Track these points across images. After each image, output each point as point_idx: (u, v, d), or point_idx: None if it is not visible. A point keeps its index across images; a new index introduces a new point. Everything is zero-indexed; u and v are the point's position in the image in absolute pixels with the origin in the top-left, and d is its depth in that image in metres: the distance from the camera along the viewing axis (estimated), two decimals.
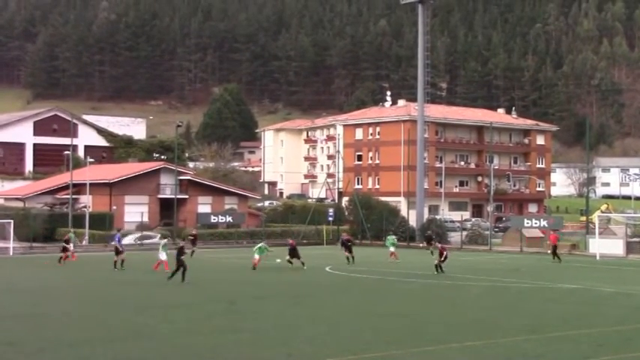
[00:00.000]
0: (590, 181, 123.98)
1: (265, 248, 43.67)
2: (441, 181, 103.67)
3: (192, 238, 54.84)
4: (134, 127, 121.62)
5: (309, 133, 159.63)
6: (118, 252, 43.92)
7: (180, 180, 76.67)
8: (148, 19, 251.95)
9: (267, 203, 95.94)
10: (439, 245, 45.01)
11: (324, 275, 41.54)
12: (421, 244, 64.75)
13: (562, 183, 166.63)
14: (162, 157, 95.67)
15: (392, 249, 50.65)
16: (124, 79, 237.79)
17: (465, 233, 70.18)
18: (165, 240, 45.85)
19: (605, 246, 55.94)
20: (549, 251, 53.54)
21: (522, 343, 21.47)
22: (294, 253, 43.22)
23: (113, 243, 46.84)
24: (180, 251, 37.11)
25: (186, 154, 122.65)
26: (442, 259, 41.45)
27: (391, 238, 52.36)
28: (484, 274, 42.03)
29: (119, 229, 59.70)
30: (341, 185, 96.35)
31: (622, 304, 30.63)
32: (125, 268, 43.02)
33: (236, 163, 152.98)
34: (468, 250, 64.62)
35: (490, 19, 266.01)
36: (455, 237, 70.72)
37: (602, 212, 76.14)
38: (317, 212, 77.64)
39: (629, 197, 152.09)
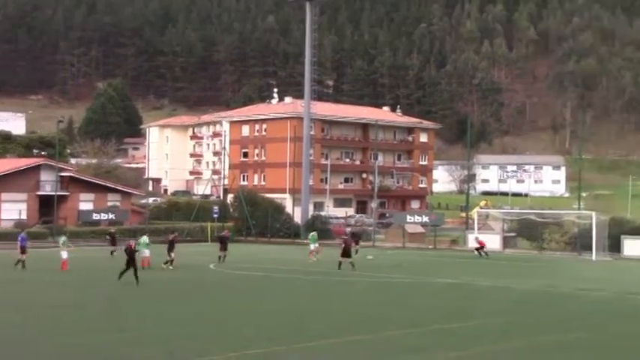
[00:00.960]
0: (471, 178, 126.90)
1: (146, 243, 42.71)
2: (326, 178, 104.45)
3: (110, 237, 52.11)
4: (13, 122, 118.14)
5: (195, 129, 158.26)
6: (23, 251, 42.25)
7: (61, 177, 74.74)
8: (29, 11, 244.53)
9: (151, 200, 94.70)
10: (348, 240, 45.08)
11: (209, 273, 41.23)
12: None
13: (443, 180, 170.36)
14: (43, 153, 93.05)
15: (312, 246, 48.65)
16: (2, 73, 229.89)
17: (349, 229, 70.94)
18: (64, 237, 44.29)
19: (484, 241, 57.48)
20: (475, 250, 54.36)
21: (404, 337, 21.82)
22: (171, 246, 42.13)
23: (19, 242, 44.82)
24: (130, 250, 35.02)
25: (68, 150, 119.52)
26: (344, 255, 41.68)
27: (313, 235, 50.55)
28: (367, 269, 42.53)
29: (24, 228, 57.25)
30: (226, 182, 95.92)
31: (498, 297, 31.54)
32: (24, 267, 41.22)
33: (120, 160, 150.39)
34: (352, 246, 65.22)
35: (376, 18, 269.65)
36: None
37: (481, 208, 78.17)
38: (202, 209, 77.05)
39: (506, 193, 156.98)
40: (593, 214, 54.49)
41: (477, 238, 55.64)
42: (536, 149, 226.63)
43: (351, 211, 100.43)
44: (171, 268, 40.95)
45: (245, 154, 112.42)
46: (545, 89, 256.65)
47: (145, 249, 41.13)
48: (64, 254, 40.72)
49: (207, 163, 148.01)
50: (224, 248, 45.51)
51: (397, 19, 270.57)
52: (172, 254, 41.50)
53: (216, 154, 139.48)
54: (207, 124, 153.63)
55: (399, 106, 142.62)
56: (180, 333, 22.38)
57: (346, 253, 41.81)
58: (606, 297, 31.48)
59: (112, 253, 48.29)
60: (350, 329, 22.99)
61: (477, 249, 53.61)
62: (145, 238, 42.70)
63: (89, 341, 20.94)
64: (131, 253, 34.52)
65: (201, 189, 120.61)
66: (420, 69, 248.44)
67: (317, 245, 49.08)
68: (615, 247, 53.76)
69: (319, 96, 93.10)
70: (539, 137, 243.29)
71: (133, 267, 34.21)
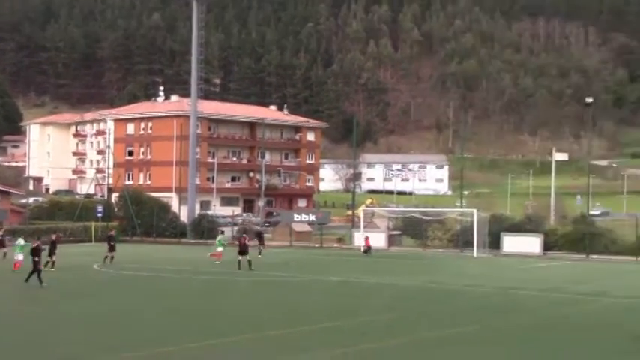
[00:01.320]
0: (356, 177, 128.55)
1: (21, 246, 41.50)
2: (212, 177, 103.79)
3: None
4: None
5: (79, 127, 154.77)
6: None
7: None
8: None
9: (31, 200, 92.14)
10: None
11: (93, 273, 40.38)
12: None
13: (330, 178, 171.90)
14: None
15: (220, 249, 46.51)
16: None
17: (235, 228, 70.75)
18: (21, 239, 42.66)
19: (370, 239, 58.29)
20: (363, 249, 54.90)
21: (291, 335, 21.90)
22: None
23: None
24: (36, 251, 33.84)
25: None
26: (241, 253, 41.28)
27: (222, 238, 48.98)
28: (254, 268, 42.54)
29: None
30: (111, 181, 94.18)
31: (384, 294, 32.03)
32: None
33: None
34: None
35: (264, 16, 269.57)
36: (226, 232, 71.04)
37: (367, 207, 79.12)
38: (85, 208, 75.42)
39: (391, 192, 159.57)
40: (475, 211, 55.93)
41: (367, 238, 56.19)
42: (420, 149, 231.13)
43: (238, 210, 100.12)
44: (52, 269, 39.84)
45: (130, 153, 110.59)
46: (429, 89, 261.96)
47: (20, 252, 39.80)
48: (20, 256, 39.69)
49: (91, 161, 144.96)
50: (112, 249, 44.34)
51: (284, 18, 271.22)
52: (54, 256, 40.18)
53: (100, 152, 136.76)
54: (91, 122, 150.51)
55: (286, 105, 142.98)
56: (67, 336, 21.86)
57: (243, 252, 41.56)
58: (488, 292, 32.39)
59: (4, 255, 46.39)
60: (234, 329, 22.91)
61: (365, 251, 54.36)
62: (20, 241, 41.47)
63: None
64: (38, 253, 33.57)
65: (84, 188, 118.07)
66: (307, 68, 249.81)
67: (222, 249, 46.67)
68: (495, 243, 55.31)
69: (206, 94, 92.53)
70: (423, 137, 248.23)
71: (36, 270, 33.18)
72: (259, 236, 53.61)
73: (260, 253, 48.74)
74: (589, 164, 70.89)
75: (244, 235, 49.90)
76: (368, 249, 54.24)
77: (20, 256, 39.54)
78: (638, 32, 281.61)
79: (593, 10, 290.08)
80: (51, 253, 39.82)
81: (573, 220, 60.64)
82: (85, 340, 21.00)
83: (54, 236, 41.93)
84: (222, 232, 55.38)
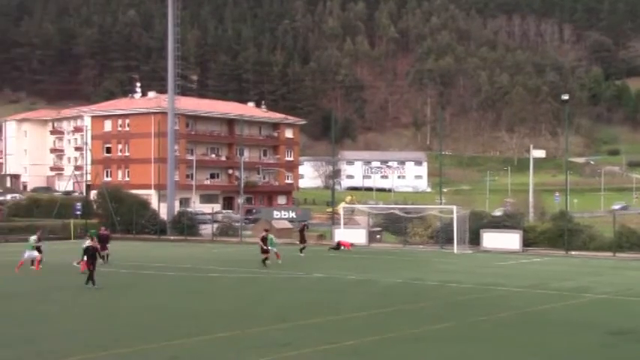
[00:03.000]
0: (336, 174, 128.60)
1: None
2: (192, 174, 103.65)
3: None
4: None
5: (56, 124, 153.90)
6: None
7: None
8: None
9: (9, 197, 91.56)
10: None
11: (73, 271, 40.18)
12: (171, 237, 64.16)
13: (310, 175, 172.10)
14: None
15: (275, 249, 44.16)
16: None
17: (215, 225, 70.66)
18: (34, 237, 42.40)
19: (350, 236, 58.40)
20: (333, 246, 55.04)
21: (272, 332, 21.92)
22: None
23: None
24: (93, 250, 32.97)
25: None
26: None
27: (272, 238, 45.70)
28: (235, 265, 42.52)
29: None
30: (89, 178, 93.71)
31: (364, 290, 32.10)
32: None
33: None
34: (219, 241, 65.16)
35: (240, 13, 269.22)
36: (206, 229, 70.99)
37: (347, 203, 79.20)
38: (64, 206, 75.06)
39: (371, 189, 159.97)
40: (454, 208, 56.14)
41: (350, 242, 55.85)
42: (399, 145, 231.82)
43: (217, 207, 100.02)
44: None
45: (108, 150, 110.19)
46: (406, 86, 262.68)
47: (32, 250, 39.22)
48: (35, 253, 39.64)
49: (69, 158, 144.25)
50: (104, 247, 42.72)
51: (260, 14, 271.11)
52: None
53: (77, 149, 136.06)
54: (68, 118, 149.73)
55: (263, 102, 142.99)
56: (46, 333, 21.77)
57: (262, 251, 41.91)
58: (468, 289, 32.54)
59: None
60: (218, 325, 22.92)
61: (334, 248, 54.49)
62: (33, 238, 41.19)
63: None
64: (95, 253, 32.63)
65: (63, 185, 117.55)
66: (284, 65, 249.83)
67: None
68: (475, 240, 55.56)
69: (183, 91, 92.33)
70: (401, 134, 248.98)
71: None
72: (302, 232, 52.84)
73: (301, 251, 49.48)
74: (566, 161, 71.13)
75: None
76: (338, 247, 54.55)
77: (35, 253, 39.41)
78: (613, 30, 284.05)
79: (567, 8, 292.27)
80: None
81: (552, 217, 60.96)
82: (62, 337, 20.93)
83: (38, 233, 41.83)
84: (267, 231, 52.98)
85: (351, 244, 55.02)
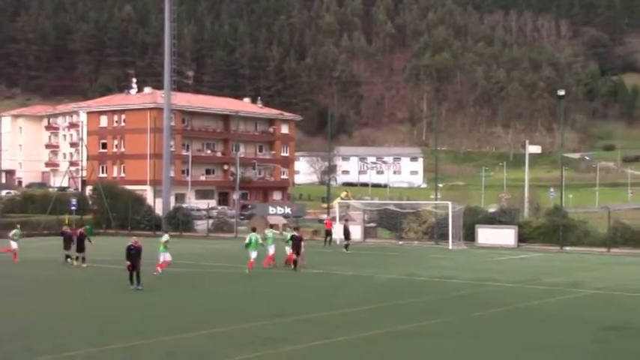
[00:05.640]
0: (331, 170, 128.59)
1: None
2: (187, 170, 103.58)
3: None
4: None
5: (51, 119, 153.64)
6: None
7: None
8: None
9: (4, 193, 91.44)
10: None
11: (67, 267, 40.17)
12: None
13: (305, 171, 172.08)
14: None
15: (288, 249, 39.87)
16: None
17: (211, 221, 70.66)
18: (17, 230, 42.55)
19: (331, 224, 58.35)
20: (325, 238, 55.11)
21: (267, 327, 21.95)
22: None
23: None
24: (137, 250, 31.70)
25: None
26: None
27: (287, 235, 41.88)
28: (231, 261, 42.52)
29: None
30: (84, 174, 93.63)
31: (359, 286, 32.15)
32: None
33: None
34: (215, 237, 65.15)
35: (236, 8, 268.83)
36: (201, 225, 71.00)
37: (342, 199, 79.21)
38: (59, 201, 74.87)
39: (366, 184, 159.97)
40: (450, 204, 56.16)
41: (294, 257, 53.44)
42: (394, 141, 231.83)
43: (213, 202, 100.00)
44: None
45: (104, 145, 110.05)
46: (402, 82, 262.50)
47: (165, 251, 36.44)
48: (14, 245, 40.56)
49: (64, 154, 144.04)
50: (81, 249, 40.15)
51: (257, 10, 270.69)
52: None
53: (73, 145, 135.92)
54: (64, 114, 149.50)
55: (259, 98, 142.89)
56: (39, 329, 21.77)
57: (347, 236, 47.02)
58: (463, 284, 32.60)
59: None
60: (215, 321, 22.96)
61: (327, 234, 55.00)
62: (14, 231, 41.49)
63: None
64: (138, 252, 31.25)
65: (58, 181, 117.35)
66: (281, 61, 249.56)
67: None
68: (470, 235, 55.62)
69: (179, 87, 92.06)
70: (397, 129, 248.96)
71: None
72: (347, 231, 52.44)
73: (346, 248, 49.83)
74: (562, 157, 71.42)
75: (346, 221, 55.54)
76: (329, 232, 54.98)
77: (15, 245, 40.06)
78: (609, 26, 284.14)
79: (564, 4, 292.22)
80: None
81: (547, 212, 61.02)
82: (54, 333, 20.92)
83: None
84: (272, 227, 51.23)
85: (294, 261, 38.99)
